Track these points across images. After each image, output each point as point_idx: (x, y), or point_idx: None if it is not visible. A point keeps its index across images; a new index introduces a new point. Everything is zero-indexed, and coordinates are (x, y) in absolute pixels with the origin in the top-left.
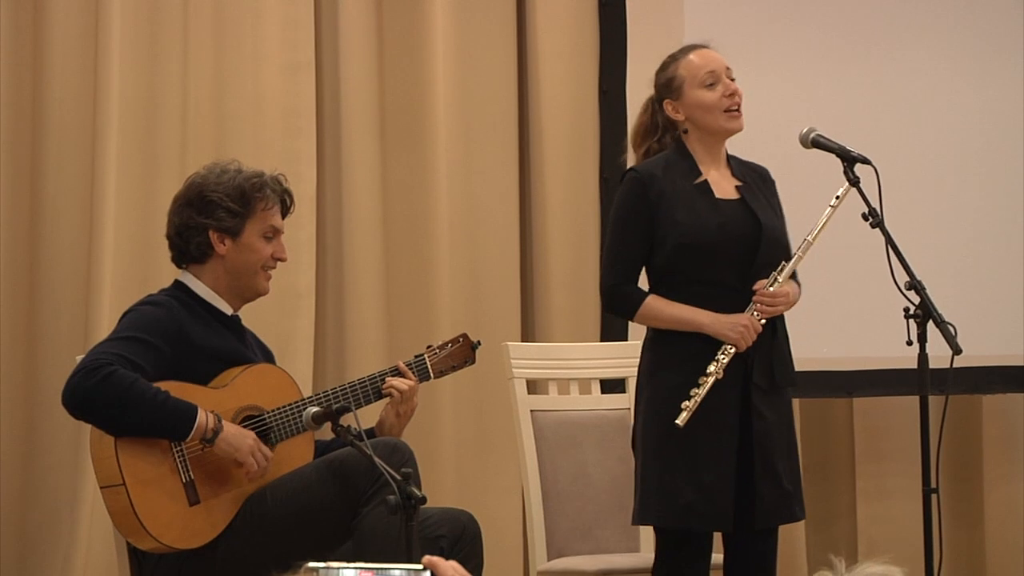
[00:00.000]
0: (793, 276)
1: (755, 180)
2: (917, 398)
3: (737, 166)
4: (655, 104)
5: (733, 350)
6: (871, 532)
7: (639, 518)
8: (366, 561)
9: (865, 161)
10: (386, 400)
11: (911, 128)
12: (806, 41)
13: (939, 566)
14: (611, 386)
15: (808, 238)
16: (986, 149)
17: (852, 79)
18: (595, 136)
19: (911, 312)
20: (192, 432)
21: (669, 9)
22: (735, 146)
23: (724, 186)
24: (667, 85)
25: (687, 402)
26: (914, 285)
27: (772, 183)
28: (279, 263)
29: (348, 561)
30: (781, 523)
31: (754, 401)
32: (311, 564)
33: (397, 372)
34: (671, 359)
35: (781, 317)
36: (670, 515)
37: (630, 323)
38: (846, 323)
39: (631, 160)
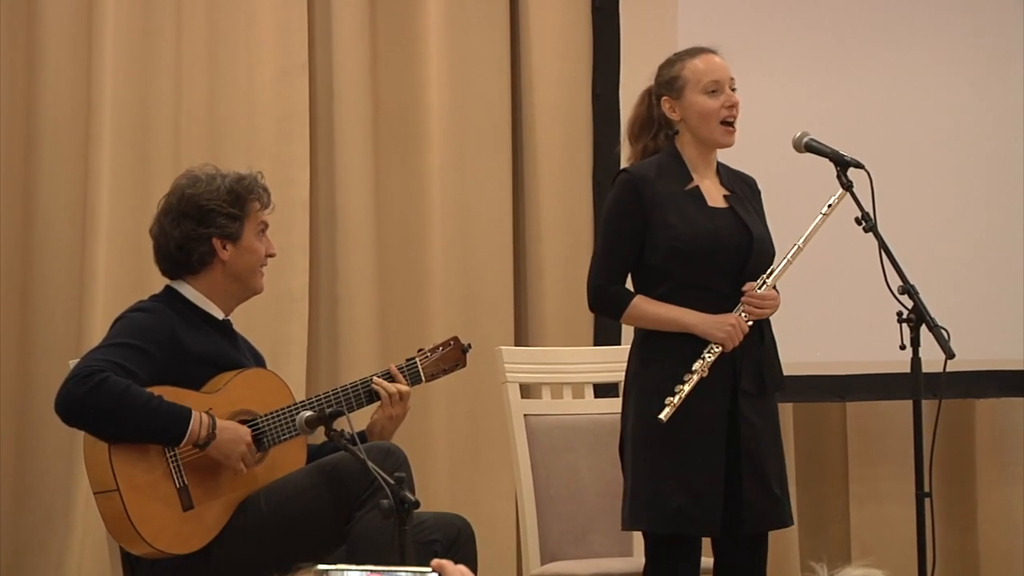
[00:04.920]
0: None
1: (743, 189)
2: (910, 402)
3: (726, 174)
4: (652, 98)
5: (719, 349)
6: (864, 536)
7: (629, 523)
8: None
9: (858, 165)
10: (379, 403)
11: (905, 132)
12: (800, 45)
13: (932, 570)
14: (604, 390)
15: (799, 243)
16: (980, 153)
17: (846, 83)
18: (588, 140)
19: (904, 316)
20: (186, 438)
21: (663, 13)
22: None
23: (714, 194)
24: (669, 83)
25: (671, 398)
26: (907, 289)
27: (758, 192)
28: (270, 260)
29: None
30: (772, 528)
31: (741, 407)
32: (321, 567)
33: (388, 375)
34: (658, 362)
35: (768, 322)
36: (660, 520)
37: (623, 327)
38: (839, 327)
39: (625, 152)
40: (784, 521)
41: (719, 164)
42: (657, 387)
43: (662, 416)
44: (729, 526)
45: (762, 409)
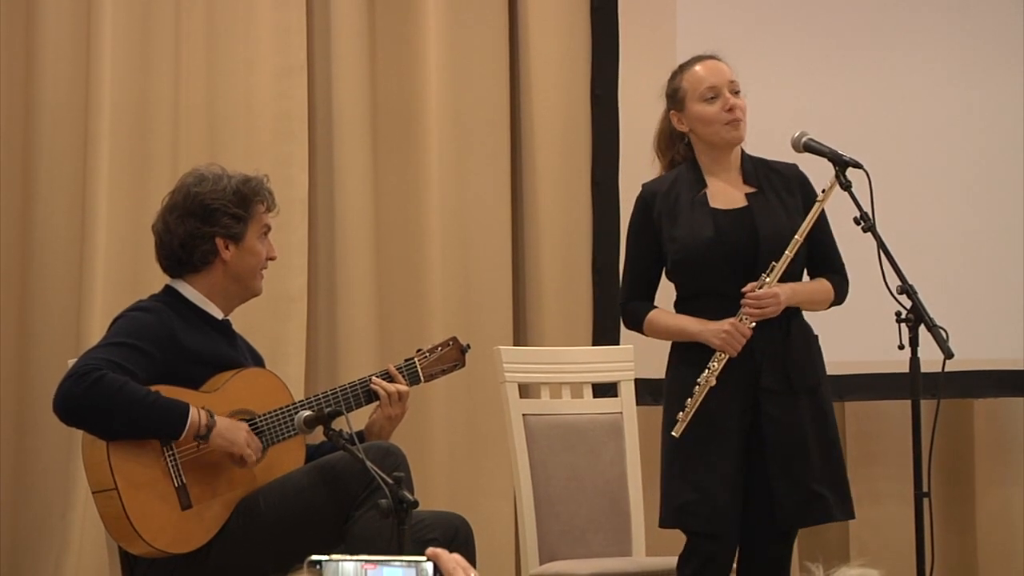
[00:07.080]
0: (841, 275)
1: (776, 182)
2: (909, 402)
3: (755, 170)
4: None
5: (725, 356)
6: (863, 536)
7: (660, 521)
8: None
9: (857, 165)
10: (377, 403)
11: (904, 132)
12: (799, 46)
13: (931, 570)
14: (603, 390)
15: (797, 237)
16: (979, 153)
17: (844, 83)
18: (587, 141)
19: (903, 316)
20: (186, 430)
21: (662, 14)
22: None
23: (730, 195)
24: (672, 96)
25: (681, 413)
26: (906, 289)
27: (798, 181)
28: (270, 263)
29: None
30: (813, 524)
31: (763, 405)
32: (314, 557)
33: (387, 375)
34: (681, 367)
35: (798, 317)
36: (668, 516)
37: (622, 328)
38: (838, 327)
39: (655, 166)
40: (830, 515)
41: (749, 159)
42: (678, 392)
43: (674, 433)
44: (758, 523)
45: (795, 406)
